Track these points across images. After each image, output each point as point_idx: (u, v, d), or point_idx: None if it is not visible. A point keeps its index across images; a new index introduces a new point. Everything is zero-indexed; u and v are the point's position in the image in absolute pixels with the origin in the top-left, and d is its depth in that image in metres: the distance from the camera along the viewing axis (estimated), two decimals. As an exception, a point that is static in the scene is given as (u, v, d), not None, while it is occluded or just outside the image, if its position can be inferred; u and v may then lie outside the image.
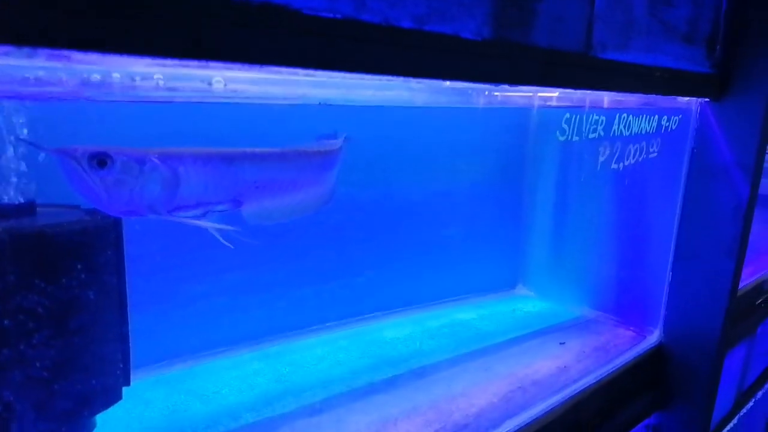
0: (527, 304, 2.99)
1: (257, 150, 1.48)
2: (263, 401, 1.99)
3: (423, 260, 2.73)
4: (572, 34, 1.75)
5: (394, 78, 1.26)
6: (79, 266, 1.61)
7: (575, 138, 2.14)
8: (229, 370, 2.20)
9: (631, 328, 2.76)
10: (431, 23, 1.34)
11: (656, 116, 2.39)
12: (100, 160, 1.22)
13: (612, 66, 1.92)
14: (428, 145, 2.61)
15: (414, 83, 1.45)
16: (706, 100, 2.53)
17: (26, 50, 0.80)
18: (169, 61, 0.95)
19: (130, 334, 1.81)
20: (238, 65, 1.03)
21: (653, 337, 2.71)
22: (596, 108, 2.23)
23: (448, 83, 1.73)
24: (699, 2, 2.34)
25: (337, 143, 1.77)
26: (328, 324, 2.49)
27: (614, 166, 2.35)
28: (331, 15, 1.14)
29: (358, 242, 2.49)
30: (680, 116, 2.53)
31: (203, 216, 1.47)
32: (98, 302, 1.69)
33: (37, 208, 1.75)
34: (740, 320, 2.97)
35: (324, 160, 1.65)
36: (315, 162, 1.62)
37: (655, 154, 2.46)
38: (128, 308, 1.80)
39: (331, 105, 1.42)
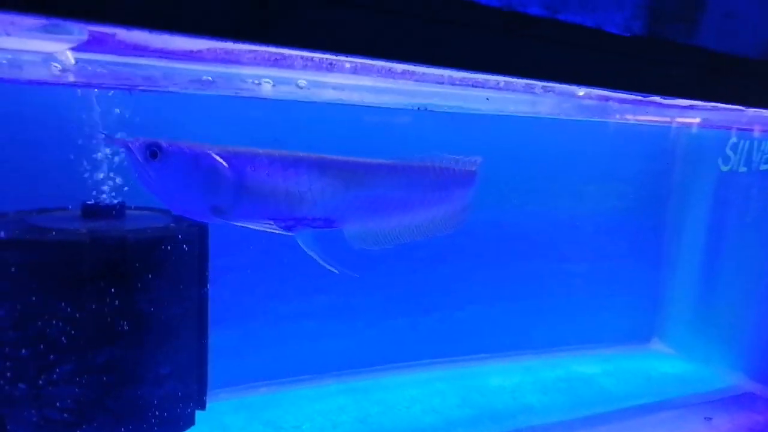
0: (664, 364, 2.52)
1: (357, 160, 1.28)
2: (344, 445, 1.78)
3: (539, 299, 2.38)
4: (749, 35, 1.39)
5: (511, 78, 1.00)
6: (157, 275, 1.50)
7: (742, 168, 1.72)
8: (313, 402, 2.01)
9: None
10: (566, 11, 1.06)
11: None
12: (153, 151, 1.14)
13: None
14: (552, 164, 2.28)
15: (539, 88, 1.18)
16: None
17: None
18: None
19: (208, 353, 1.70)
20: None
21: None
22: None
23: (582, 91, 1.44)
24: None
25: (473, 163, 1.52)
26: (423, 361, 2.23)
27: None
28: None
29: (462, 271, 2.21)
30: None
31: (292, 230, 1.30)
32: (175, 316, 1.58)
33: (128, 211, 1.69)
34: None
35: (449, 178, 1.41)
36: (439, 181, 1.38)
37: None
38: (209, 325, 1.69)
39: (432, 111, 1.20)
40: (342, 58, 0.95)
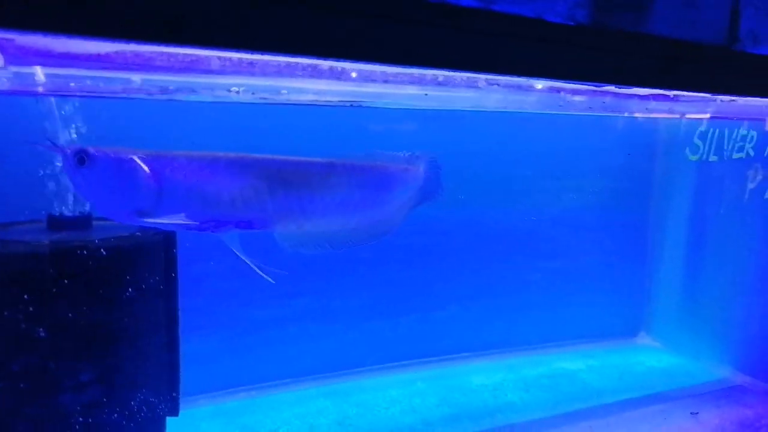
0: (651, 358, 2.48)
1: (283, 159, 1.25)
2: (318, 448, 1.77)
3: (521, 296, 2.35)
4: (707, 23, 1.36)
5: (449, 72, 0.99)
6: (121, 284, 1.50)
7: (712, 158, 1.68)
8: (292, 407, 2.00)
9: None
10: (502, 2, 1.04)
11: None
12: (81, 158, 1.16)
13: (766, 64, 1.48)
14: (533, 161, 2.25)
15: (482, 81, 1.16)
16: None
17: None
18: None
19: (180, 360, 1.69)
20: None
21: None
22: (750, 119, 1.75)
23: (540, 84, 1.42)
24: None
25: (420, 160, 1.47)
26: (404, 362, 2.21)
27: None
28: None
29: (442, 271, 2.19)
30: None
31: (214, 231, 1.29)
32: (142, 323, 1.58)
33: (94, 222, 1.69)
34: None
35: (384, 178, 1.37)
36: (371, 180, 1.35)
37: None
38: (179, 332, 1.68)
39: (370, 107, 1.18)
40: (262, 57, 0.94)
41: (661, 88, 1.30)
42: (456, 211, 2.14)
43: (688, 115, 1.87)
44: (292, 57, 0.92)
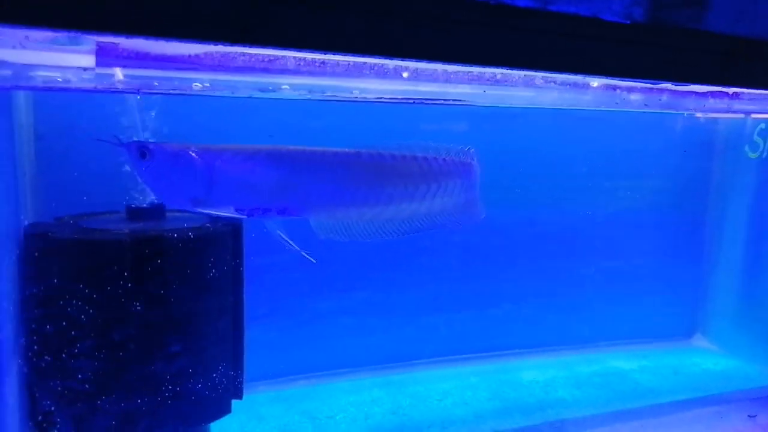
0: (707, 360, 2.44)
1: (318, 150, 1.34)
2: (374, 435, 1.84)
3: (575, 295, 2.36)
4: (767, 18, 1.36)
5: (505, 70, 1.04)
6: (193, 272, 1.61)
7: None
8: (348, 395, 2.08)
9: None
10: (559, 2, 1.09)
11: None
12: (142, 152, 1.29)
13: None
14: (584, 160, 2.27)
15: (540, 78, 1.20)
16: None
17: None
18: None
19: (245, 347, 1.78)
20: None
21: None
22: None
23: (596, 82, 1.45)
24: None
25: (468, 154, 1.48)
26: (457, 357, 2.26)
27: None
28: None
29: (497, 268, 2.23)
30: None
31: (254, 216, 1.40)
32: (212, 307, 1.68)
33: (167, 213, 1.81)
34: None
35: (437, 170, 1.41)
36: (424, 172, 1.39)
37: None
38: (244, 321, 1.78)
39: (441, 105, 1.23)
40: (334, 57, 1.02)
41: (719, 85, 1.31)
42: (513, 210, 2.18)
43: (750, 114, 1.85)
44: (361, 57, 0.99)
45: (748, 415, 1.99)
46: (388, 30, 0.97)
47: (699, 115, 1.90)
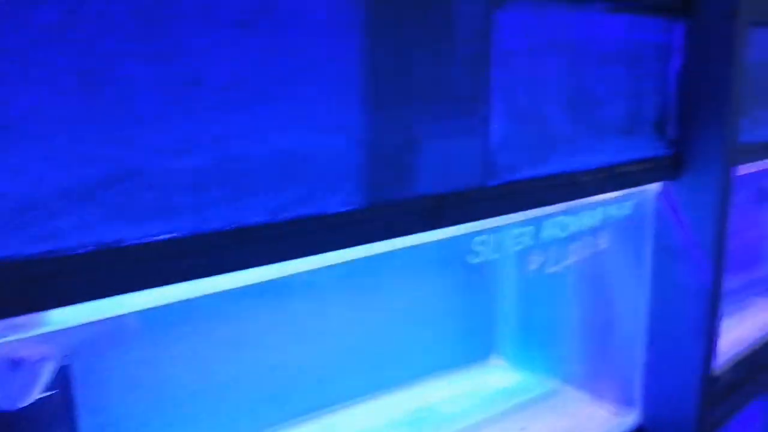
0: (498, 378, 2.94)
1: None
2: None
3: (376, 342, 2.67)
4: (466, 171, 1.80)
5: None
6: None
7: (495, 256, 2.13)
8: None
9: (606, 407, 2.73)
10: (289, 210, 1.44)
11: (603, 208, 2.36)
12: None
13: (522, 186, 1.93)
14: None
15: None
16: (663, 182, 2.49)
17: None
18: None
19: None
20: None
21: (629, 420, 2.66)
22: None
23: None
24: (639, 92, 2.31)
25: None
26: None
27: (551, 269, 2.36)
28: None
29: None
30: (635, 201, 2.50)
31: None
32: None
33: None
34: (723, 401, 2.85)
35: None
36: None
37: (607, 245, 2.45)
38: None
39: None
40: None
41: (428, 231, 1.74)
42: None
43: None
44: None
45: (521, 428, 2.52)
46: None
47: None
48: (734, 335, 3.23)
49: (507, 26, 1.85)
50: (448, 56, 1.69)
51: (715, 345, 2.53)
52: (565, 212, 2.18)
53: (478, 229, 1.95)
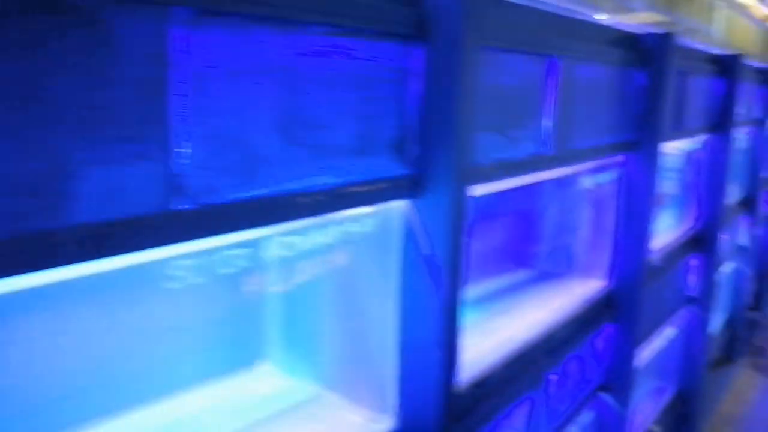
0: (265, 383, 2.94)
1: None
2: None
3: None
4: (142, 196, 1.76)
5: None
6: None
7: (201, 280, 2.10)
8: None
9: (364, 413, 2.82)
10: None
11: (341, 226, 2.42)
12: None
13: (224, 209, 1.92)
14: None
15: None
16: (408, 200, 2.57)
17: None
18: None
19: None
20: None
21: (383, 426, 2.76)
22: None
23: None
24: (372, 114, 2.36)
25: None
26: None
27: (274, 289, 2.40)
28: None
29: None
30: (381, 218, 2.57)
31: None
32: None
33: None
34: (475, 408, 3.01)
35: None
36: None
37: (348, 261, 2.52)
38: None
39: None
40: None
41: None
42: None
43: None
44: None
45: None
46: None
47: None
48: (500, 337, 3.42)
49: (198, 48, 1.82)
50: (107, 79, 1.64)
51: (456, 355, 2.67)
52: (292, 232, 2.21)
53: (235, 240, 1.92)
